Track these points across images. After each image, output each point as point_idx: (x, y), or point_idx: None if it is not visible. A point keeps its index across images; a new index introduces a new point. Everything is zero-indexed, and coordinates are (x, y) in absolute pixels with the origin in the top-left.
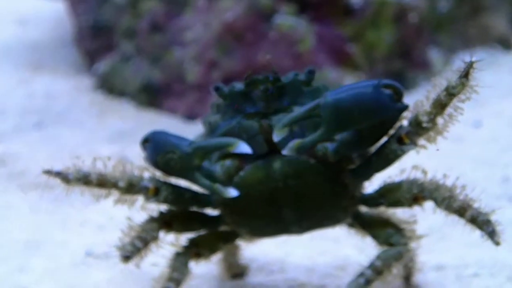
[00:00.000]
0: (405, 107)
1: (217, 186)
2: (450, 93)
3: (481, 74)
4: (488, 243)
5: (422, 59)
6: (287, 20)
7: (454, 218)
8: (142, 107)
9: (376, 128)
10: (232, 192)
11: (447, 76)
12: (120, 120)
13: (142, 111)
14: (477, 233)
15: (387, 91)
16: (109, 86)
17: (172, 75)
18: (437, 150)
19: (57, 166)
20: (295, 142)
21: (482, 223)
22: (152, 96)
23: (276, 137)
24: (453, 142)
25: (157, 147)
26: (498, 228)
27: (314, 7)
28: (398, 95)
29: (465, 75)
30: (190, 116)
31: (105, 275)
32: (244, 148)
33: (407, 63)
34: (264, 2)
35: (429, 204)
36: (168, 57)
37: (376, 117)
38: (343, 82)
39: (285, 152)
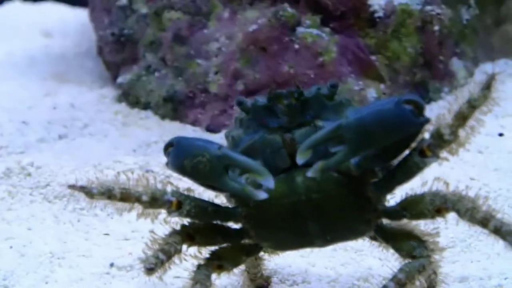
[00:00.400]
0: (427, 121)
1: (249, 188)
2: (472, 106)
3: (504, 85)
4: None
5: (445, 70)
6: (310, 31)
7: (477, 229)
8: (166, 118)
9: (399, 143)
10: (263, 195)
11: (469, 89)
12: (144, 132)
13: (166, 122)
14: (500, 244)
15: (408, 107)
16: (133, 98)
17: (196, 87)
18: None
19: (82, 178)
20: (319, 164)
21: (506, 234)
22: (176, 107)
23: (300, 160)
24: (476, 152)
25: (184, 151)
26: None
27: (338, 18)
28: (419, 110)
29: (487, 87)
30: (214, 127)
31: (129, 286)
32: (270, 183)
33: (430, 74)
34: (287, 13)
35: (452, 215)
36: (192, 68)
37: (399, 134)
38: (366, 93)
39: (309, 174)
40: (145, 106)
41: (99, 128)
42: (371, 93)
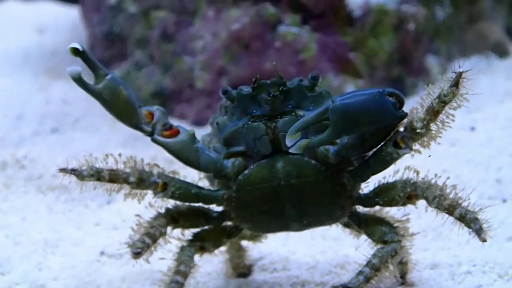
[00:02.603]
0: (405, 115)
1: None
2: (442, 101)
3: (477, 79)
4: (481, 244)
5: (420, 66)
6: (291, 29)
7: (449, 218)
8: None
9: (376, 134)
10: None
11: (439, 85)
12: None
13: None
14: (470, 233)
15: (391, 99)
16: None
17: (182, 82)
18: (429, 156)
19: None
20: (302, 141)
21: (470, 221)
22: (163, 102)
23: (290, 142)
24: (449, 145)
25: None
26: (485, 226)
27: (317, 17)
28: (400, 103)
29: (455, 84)
30: (199, 121)
31: (118, 272)
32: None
33: (406, 70)
34: (269, 12)
35: (424, 205)
36: (179, 65)
37: (380, 123)
38: (344, 89)
39: (293, 150)
40: None
41: (89, 122)
42: (350, 88)
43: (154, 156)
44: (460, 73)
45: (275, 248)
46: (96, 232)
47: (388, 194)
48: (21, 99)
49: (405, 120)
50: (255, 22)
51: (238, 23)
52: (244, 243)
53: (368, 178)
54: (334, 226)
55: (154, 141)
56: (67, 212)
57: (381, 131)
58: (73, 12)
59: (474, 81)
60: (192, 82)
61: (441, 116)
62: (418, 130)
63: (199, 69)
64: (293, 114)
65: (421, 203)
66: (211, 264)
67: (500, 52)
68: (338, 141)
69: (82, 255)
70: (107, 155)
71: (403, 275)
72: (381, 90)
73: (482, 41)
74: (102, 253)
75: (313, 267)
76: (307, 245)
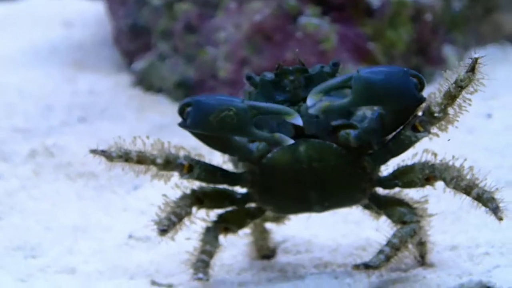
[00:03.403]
0: (424, 99)
1: (278, 135)
2: (459, 86)
3: (493, 68)
4: (498, 225)
5: (437, 56)
6: (312, 20)
7: (467, 201)
8: (178, 102)
9: (396, 118)
10: (290, 140)
11: (456, 71)
12: (158, 115)
13: None
14: (488, 216)
15: (414, 80)
16: (147, 83)
17: (205, 73)
18: (449, 140)
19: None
20: (323, 103)
21: (487, 200)
22: (187, 92)
23: (311, 101)
24: (466, 132)
25: (208, 107)
26: (502, 205)
27: (337, 9)
28: (421, 86)
29: (471, 69)
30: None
31: (147, 256)
32: (299, 120)
33: (423, 60)
34: (290, 4)
35: (443, 188)
36: (202, 55)
37: (399, 101)
38: None
39: (312, 110)
40: (158, 91)
41: (116, 112)
42: None
43: (179, 144)
44: (476, 59)
45: (298, 232)
46: (124, 217)
47: (407, 176)
48: (49, 90)
49: (423, 105)
50: (276, 14)
51: (259, 14)
52: (268, 225)
53: (387, 161)
54: (354, 209)
55: (185, 127)
56: (96, 198)
57: (400, 115)
58: (98, 7)
59: (490, 70)
60: (215, 72)
61: (458, 101)
62: (436, 114)
63: (222, 60)
64: None
65: (440, 186)
66: (236, 247)
67: None
68: (359, 125)
69: (111, 239)
70: (135, 138)
71: (422, 256)
72: (405, 69)
73: (498, 31)
74: (130, 236)
75: (335, 249)
76: (329, 228)
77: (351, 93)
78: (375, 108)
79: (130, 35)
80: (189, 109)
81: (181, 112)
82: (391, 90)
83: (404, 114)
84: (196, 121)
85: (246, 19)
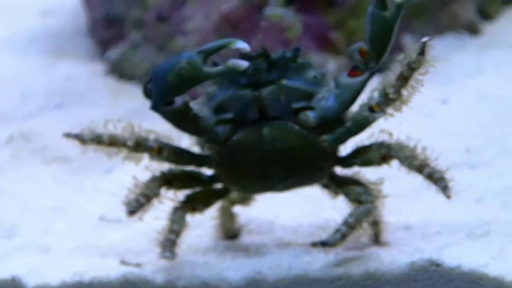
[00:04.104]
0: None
1: (231, 61)
2: (411, 68)
3: (450, 56)
4: (449, 205)
5: (397, 45)
6: (276, 10)
7: (422, 184)
8: None
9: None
10: (244, 63)
11: (408, 54)
12: (130, 101)
13: None
14: (440, 197)
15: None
16: (120, 71)
17: None
18: (400, 123)
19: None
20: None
21: (437, 179)
22: None
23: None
24: (423, 117)
25: (163, 71)
26: (451, 184)
27: None
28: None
29: (421, 52)
30: (192, 96)
31: (117, 235)
32: (242, 44)
33: None
34: None
35: (399, 171)
36: (173, 44)
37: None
38: (326, 65)
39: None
40: (131, 78)
41: (91, 98)
42: (332, 65)
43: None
44: (425, 42)
45: (261, 213)
46: (96, 199)
47: (364, 155)
48: (27, 77)
49: (379, 87)
50: (243, 4)
51: (227, 5)
52: (235, 209)
53: (346, 140)
54: (314, 190)
55: (155, 109)
56: (69, 181)
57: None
58: None
59: (446, 57)
60: None
61: (411, 82)
62: (390, 96)
63: (191, 49)
64: (278, 83)
65: (397, 167)
66: (202, 227)
67: (472, 30)
68: (316, 106)
69: (84, 220)
70: (106, 121)
71: (377, 235)
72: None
73: (455, 20)
74: (101, 218)
75: (296, 229)
76: (290, 209)
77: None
78: (331, 89)
79: (104, 24)
80: (150, 85)
81: (146, 92)
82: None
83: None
84: (160, 90)
85: (214, 9)
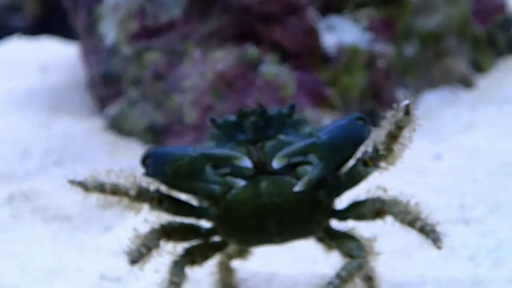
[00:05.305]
0: (371, 130)
1: (229, 178)
2: (399, 126)
3: (443, 110)
4: (443, 262)
5: (391, 99)
6: (271, 68)
7: (417, 240)
8: (148, 145)
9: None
10: (242, 182)
11: (396, 112)
12: (129, 157)
13: None
14: (435, 254)
15: (360, 122)
16: (118, 128)
17: (173, 118)
18: (394, 179)
19: (76, 197)
20: (305, 179)
21: (429, 232)
22: (156, 136)
23: (276, 164)
24: (416, 173)
25: (164, 159)
26: (442, 236)
27: (295, 56)
28: (366, 123)
29: (406, 113)
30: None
31: None
32: (247, 163)
33: (377, 103)
34: (251, 53)
35: (396, 228)
36: (169, 102)
37: (357, 145)
38: (321, 121)
39: (298, 189)
40: (129, 135)
41: (89, 155)
42: (327, 121)
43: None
44: (409, 104)
45: (258, 270)
46: (96, 258)
47: (359, 210)
48: (26, 135)
49: (372, 142)
50: (238, 62)
51: (222, 63)
52: (233, 264)
53: (341, 194)
54: (310, 247)
55: (146, 176)
56: (69, 239)
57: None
58: (72, 50)
59: (440, 112)
60: (182, 118)
61: (401, 139)
62: (381, 152)
63: (188, 106)
64: (275, 139)
65: (393, 224)
66: (201, 284)
67: (465, 83)
68: (314, 161)
69: (84, 280)
70: (109, 171)
71: None
72: (351, 118)
73: (448, 74)
74: (102, 277)
75: (292, 287)
76: (287, 266)
77: (321, 159)
78: None
79: (102, 82)
80: (149, 160)
81: (143, 163)
82: (351, 142)
83: (354, 149)
84: (155, 171)
85: (210, 68)
